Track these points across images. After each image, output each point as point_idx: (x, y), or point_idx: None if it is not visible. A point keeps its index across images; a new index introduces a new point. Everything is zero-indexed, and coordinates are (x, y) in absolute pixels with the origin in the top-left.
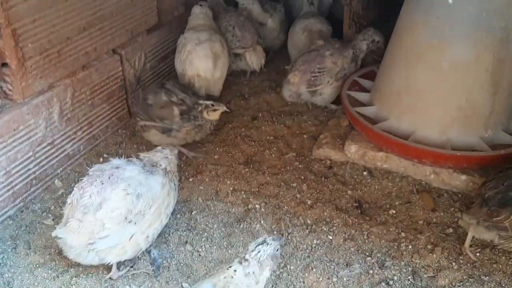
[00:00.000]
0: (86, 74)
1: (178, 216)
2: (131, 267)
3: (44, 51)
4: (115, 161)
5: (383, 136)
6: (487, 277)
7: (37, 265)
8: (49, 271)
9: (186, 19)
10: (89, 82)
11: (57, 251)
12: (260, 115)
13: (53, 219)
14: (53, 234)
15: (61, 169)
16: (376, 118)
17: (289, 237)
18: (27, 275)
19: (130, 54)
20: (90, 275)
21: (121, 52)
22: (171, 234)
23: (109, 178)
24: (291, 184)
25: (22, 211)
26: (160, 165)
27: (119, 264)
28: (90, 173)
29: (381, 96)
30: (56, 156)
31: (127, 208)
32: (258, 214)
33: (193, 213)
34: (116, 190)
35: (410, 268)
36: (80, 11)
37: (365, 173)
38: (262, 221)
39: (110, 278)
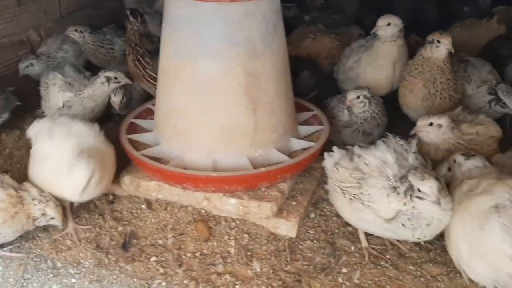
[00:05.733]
0: None
1: None
2: None
3: None
4: None
5: (144, 162)
6: None
7: None
8: None
9: None
10: None
11: None
12: None
13: None
14: None
15: None
16: (154, 144)
17: (24, 283)
18: None
19: None
20: None
21: None
22: None
23: None
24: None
25: None
26: None
27: None
28: None
29: (156, 120)
30: None
31: None
32: None
33: None
34: None
35: None
36: None
37: (143, 206)
38: None
39: None
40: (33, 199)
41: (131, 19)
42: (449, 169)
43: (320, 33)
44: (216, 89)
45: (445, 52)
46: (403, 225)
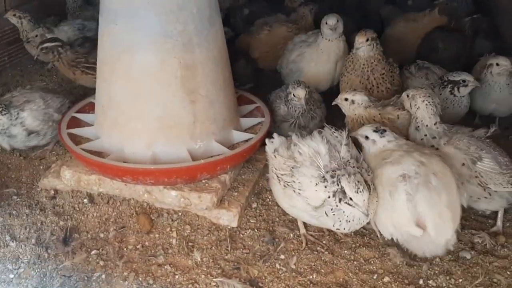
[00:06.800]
0: None
1: None
2: None
3: None
4: None
5: (83, 156)
6: None
7: None
8: None
9: None
10: None
11: None
12: None
13: None
14: None
15: None
16: (95, 138)
17: None
18: None
19: None
20: None
21: None
22: None
23: None
24: None
25: None
26: None
27: None
28: None
29: (96, 113)
30: None
31: None
32: None
33: None
34: None
35: None
36: None
37: (85, 200)
38: None
39: None
40: None
41: (61, 50)
42: None
43: (276, 24)
44: (152, 82)
45: (364, 50)
46: (326, 214)
